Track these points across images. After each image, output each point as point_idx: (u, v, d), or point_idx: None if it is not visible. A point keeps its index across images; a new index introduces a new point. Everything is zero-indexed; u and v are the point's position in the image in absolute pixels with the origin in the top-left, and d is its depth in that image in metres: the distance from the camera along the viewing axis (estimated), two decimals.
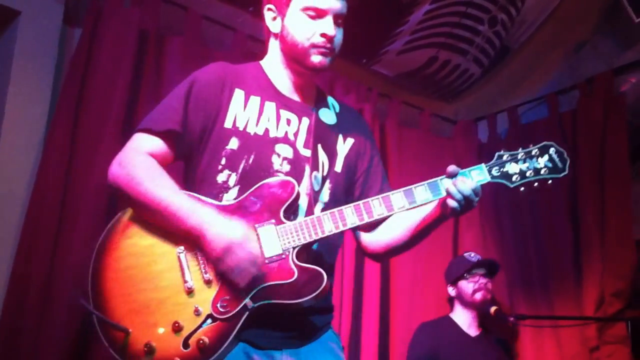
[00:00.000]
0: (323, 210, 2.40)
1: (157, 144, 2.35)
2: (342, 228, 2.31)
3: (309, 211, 2.37)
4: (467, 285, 4.65)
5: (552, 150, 2.39)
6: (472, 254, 4.78)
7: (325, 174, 2.47)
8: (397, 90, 5.66)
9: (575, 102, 5.24)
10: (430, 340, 4.50)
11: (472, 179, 2.33)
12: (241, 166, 2.35)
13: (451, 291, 4.78)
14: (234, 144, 2.36)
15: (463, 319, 4.68)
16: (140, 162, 2.29)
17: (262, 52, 2.64)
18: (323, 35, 2.39)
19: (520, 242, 5.26)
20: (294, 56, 2.45)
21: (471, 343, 4.58)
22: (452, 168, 2.33)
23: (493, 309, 4.54)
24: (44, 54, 4.00)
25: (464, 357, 4.48)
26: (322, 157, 2.47)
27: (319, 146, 2.47)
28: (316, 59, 2.41)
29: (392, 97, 5.55)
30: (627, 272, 4.62)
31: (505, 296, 5.18)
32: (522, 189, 2.38)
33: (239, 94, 2.44)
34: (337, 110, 2.64)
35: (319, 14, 2.40)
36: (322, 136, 2.49)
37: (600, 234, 4.76)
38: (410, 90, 5.77)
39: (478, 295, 4.61)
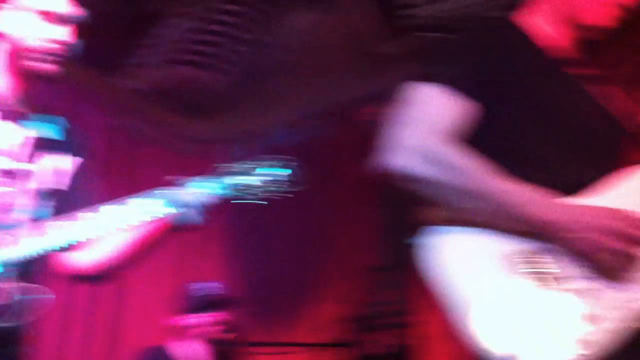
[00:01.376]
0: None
1: None
2: (41, 252, 2.05)
3: None
4: (193, 321, 4.49)
5: (274, 168, 2.23)
6: (204, 288, 4.60)
7: (28, 190, 2.22)
8: (139, 106, 5.48)
9: (320, 129, 5.31)
10: None
11: (191, 191, 2.16)
12: None
13: (178, 321, 4.58)
14: None
15: (188, 349, 4.52)
16: None
17: None
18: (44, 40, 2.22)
19: (250, 264, 5.24)
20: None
21: None
22: (170, 179, 2.17)
23: (219, 335, 4.43)
24: None
25: None
26: (29, 172, 2.23)
27: (27, 160, 2.24)
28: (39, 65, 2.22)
29: (132, 113, 5.36)
30: (350, 297, 4.70)
31: (237, 322, 5.08)
32: (245, 201, 2.20)
33: None
34: (55, 126, 2.39)
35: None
36: (34, 150, 2.26)
37: (327, 259, 4.82)
38: (154, 107, 5.61)
39: (202, 332, 4.46)
